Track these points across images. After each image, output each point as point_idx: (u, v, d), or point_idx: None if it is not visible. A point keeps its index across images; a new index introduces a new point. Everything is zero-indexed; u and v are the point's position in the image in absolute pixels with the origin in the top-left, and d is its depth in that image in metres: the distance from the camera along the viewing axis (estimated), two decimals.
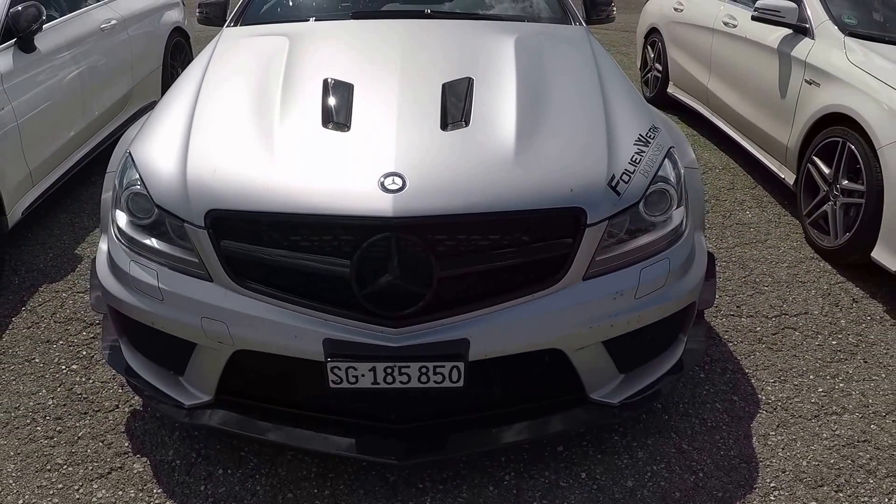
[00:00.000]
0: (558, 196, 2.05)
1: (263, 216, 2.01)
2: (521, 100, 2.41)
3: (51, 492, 2.25)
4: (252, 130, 2.30)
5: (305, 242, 2.01)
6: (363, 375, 2.00)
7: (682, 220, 2.27)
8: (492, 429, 2.20)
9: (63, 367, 2.81)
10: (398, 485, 2.28)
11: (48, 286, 3.36)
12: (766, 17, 4.25)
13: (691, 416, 2.58)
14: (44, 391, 2.68)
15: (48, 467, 2.34)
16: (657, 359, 2.36)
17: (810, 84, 3.91)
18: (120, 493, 2.24)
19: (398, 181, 2.02)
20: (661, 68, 6.24)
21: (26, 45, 3.67)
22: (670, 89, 6.07)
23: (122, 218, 2.26)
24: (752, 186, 4.64)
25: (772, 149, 4.34)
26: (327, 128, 2.28)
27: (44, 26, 3.91)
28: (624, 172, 2.17)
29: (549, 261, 2.07)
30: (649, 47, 6.53)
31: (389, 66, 2.66)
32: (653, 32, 6.43)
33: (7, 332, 3.02)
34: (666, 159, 2.29)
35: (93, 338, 2.98)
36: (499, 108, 2.38)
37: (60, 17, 4.19)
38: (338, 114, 2.35)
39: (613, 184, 2.12)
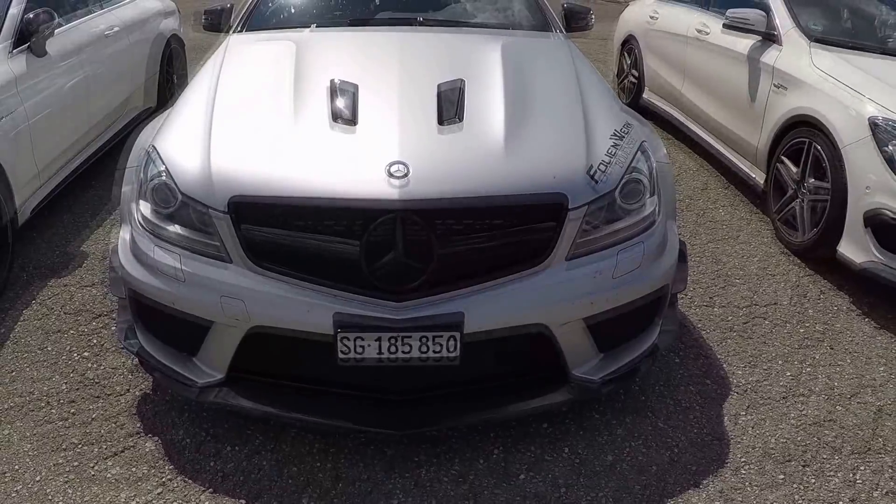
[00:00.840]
0: (543, 183, 2.25)
1: (282, 201, 2.18)
2: (508, 99, 2.61)
3: (66, 469, 2.33)
4: (269, 126, 2.49)
5: (319, 225, 2.17)
6: (369, 346, 2.14)
7: (654, 209, 2.45)
8: (483, 404, 2.33)
9: (75, 354, 2.90)
10: (395, 458, 2.38)
11: (56, 281, 3.43)
12: (736, 25, 4.41)
13: (666, 397, 2.70)
14: (57, 377, 2.76)
15: (63, 447, 2.42)
16: (634, 340, 2.51)
17: (778, 89, 4.06)
18: (133, 469, 2.33)
19: (403, 169, 2.20)
20: (637, 74, 6.37)
21: (39, 50, 3.75)
22: (646, 94, 6.21)
23: (145, 207, 2.38)
24: (725, 187, 4.80)
25: (743, 151, 4.47)
26: (337, 123, 2.46)
27: (56, 31, 3.99)
28: (601, 163, 2.36)
29: (535, 242, 2.25)
30: (626, 54, 6.65)
31: (389, 69, 2.86)
32: (629, 40, 6.55)
33: (19, 323, 3.10)
34: (639, 152, 2.48)
35: (102, 327, 3.07)
36: (488, 106, 2.58)
37: (68, 23, 4.27)
38: (345, 111, 2.51)
39: (592, 173, 2.32)
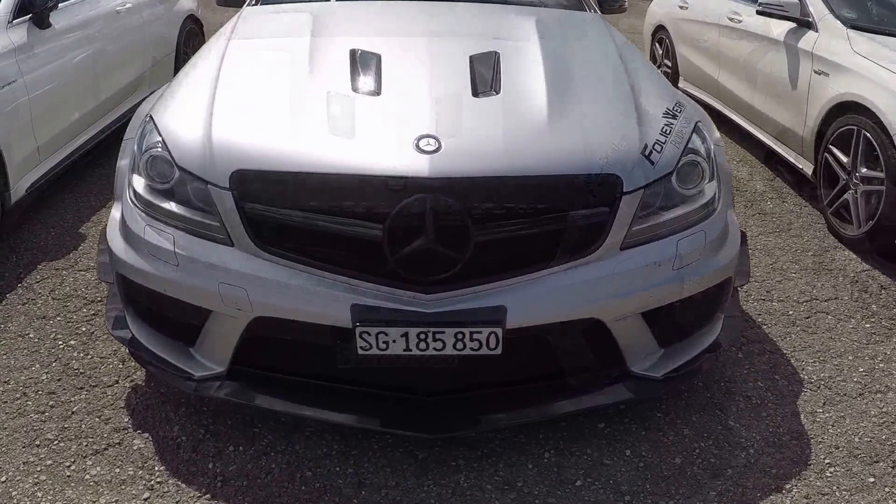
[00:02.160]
0: (593, 163, 1.88)
1: (292, 176, 1.80)
2: (548, 73, 2.25)
3: (38, 468, 1.90)
4: (280, 94, 2.11)
5: (335, 204, 1.78)
6: (394, 342, 1.74)
7: (714, 195, 2.09)
8: (530, 403, 1.92)
9: (60, 342, 2.47)
10: (429, 462, 1.95)
11: (48, 264, 3.02)
12: (770, 11, 4.17)
13: (734, 393, 2.31)
14: (37, 366, 2.34)
15: (37, 443, 1.99)
16: (696, 335, 2.13)
17: (819, 74, 3.77)
18: (117, 470, 1.90)
19: (433, 143, 1.83)
20: (670, 64, 6.12)
21: (41, 21, 3.40)
22: (681, 84, 5.94)
23: (139, 182, 1.99)
24: (771, 178, 4.40)
25: (788, 139, 4.14)
26: (358, 93, 2.08)
27: (60, 4, 3.65)
28: (656, 142, 2.01)
29: (586, 229, 1.87)
30: (657, 44, 6.43)
31: (416, 40, 2.51)
32: (659, 30, 6.33)
33: (0, 307, 2.68)
34: (694, 133, 2.11)
35: (94, 314, 2.64)
36: (527, 79, 2.22)
37: None
38: (368, 81, 2.14)
39: (647, 153, 1.96)
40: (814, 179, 3.80)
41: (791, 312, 2.86)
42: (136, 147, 2.06)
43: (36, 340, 2.47)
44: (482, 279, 1.80)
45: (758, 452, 2.06)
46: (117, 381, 2.26)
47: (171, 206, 1.91)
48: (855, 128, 3.40)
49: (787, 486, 1.94)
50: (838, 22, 3.84)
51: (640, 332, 1.96)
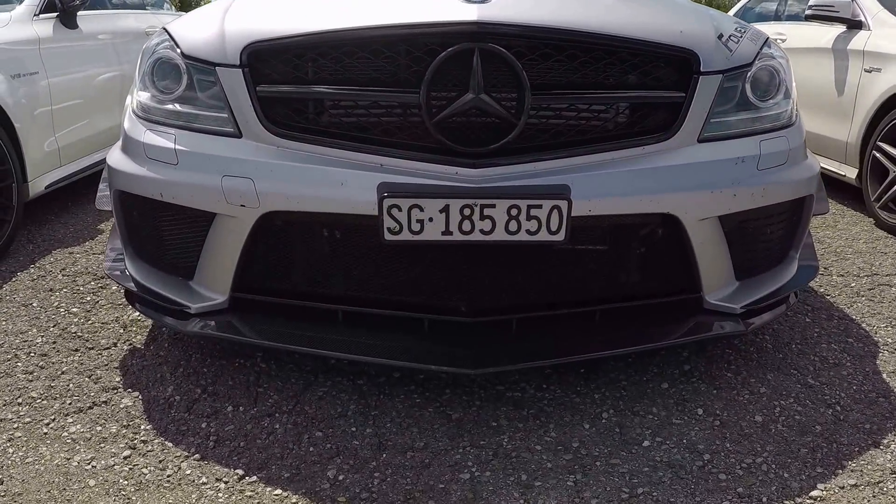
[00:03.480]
0: (668, 33, 1.59)
1: (311, 39, 1.51)
2: None
3: (14, 426, 1.61)
4: None
5: (362, 68, 1.50)
6: (430, 220, 1.39)
7: (791, 110, 1.80)
8: (594, 333, 1.56)
9: (62, 310, 2.22)
10: (465, 423, 1.60)
11: (63, 249, 2.82)
12: (820, 13, 4.00)
13: (808, 354, 1.98)
14: (34, 330, 2.08)
15: (19, 401, 1.71)
16: (772, 271, 1.82)
17: (870, 72, 3.58)
18: (98, 428, 1.60)
19: None
20: None
21: (68, 20, 3.35)
22: None
23: (143, 95, 1.75)
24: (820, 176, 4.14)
25: (829, 151, 3.95)
26: None
27: (91, 12, 3.62)
28: (731, 35, 1.72)
29: (660, 108, 1.58)
30: None
31: None
32: None
33: (9, 283, 2.46)
34: (765, 46, 1.82)
35: (101, 288, 2.40)
36: None
37: (106, 9, 3.91)
38: None
39: (724, 40, 1.67)
40: (857, 183, 3.64)
41: (853, 284, 2.56)
42: (141, 59, 1.83)
43: (38, 309, 2.23)
44: (540, 154, 1.48)
45: (845, 409, 1.72)
46: (115, 344, 1.98)
47: (175, 106, 1.66)
48: None
49: (885, 441, 1.59)
50: (892, 16, 3.67)
51: (718, 248, 1.64)
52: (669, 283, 1.65)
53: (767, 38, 1.83)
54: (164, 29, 1.81)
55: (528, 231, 1.40)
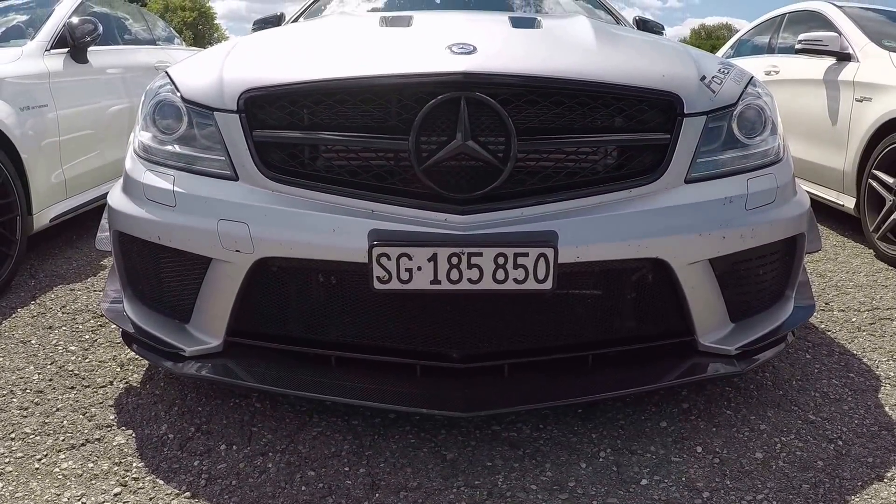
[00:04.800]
0: (651, 78, 1.64)
1: (305, 87, 1.57)
2: (594, 25, 2.08)
3: (6, 460, 1.64)
4: (299, 37, 2.00)
5: (353, 116, 1.56)
6: (419, 269, 1.42)
7: (779, 145, 1.83)
8: (587, 376, 1.57)
9: (60, 347, 2.26)
10: (459, 463, 1.60)
11: (64, 286, 2.88)
12: (809, 47, 4.17)
13: (809, 390, 1.99)
14: (31, 367, 2.12)
15: (12, 436, 1.74)
16: (767, 311, 1.83)
17: (861, 101, 3.69)
18: (90, 465, 1.62)
19: (468, 47, 1.61)
20: None
21: (78, 56, 3.49)
22: None
23: (145, 136, 1.81)
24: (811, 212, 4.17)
25: (826, 179, 4.01)
26: (385, 26, 1.95)
27: (102, 47, 3.76)
28: (714, 77, 1.77)
29: (646, 151, 1.62)
30: None
31: (448, 11, 2.51)
32: None
33: (9, 319, 2.51)
34: (750, 85, 1.87)
35: (100, 326, 2.45)
36: (572, 28, 2.05)
37: (118, 44, 4.06)
38: (397, 22, 2.01)
39: (706, 82, 1.72)
40: (856, 213, 3.68)
41: (854, 319, 2.58)
42: (143, 98, 1.90)
43: (36, 346, 2.27)
44: (527, 200, 1.51)
45: (847, 444, 1.72)
46: (111, 383, 2.01)
47: (175, 147, 1.72)
48: None
49: (888, 475, 1.59)
50: (880, 48, 3.83)
51: (710, 291, 1.65)
52: (662, 327, 1.67)
53: (752, 77, 1.88)
54: (166, 73, 1.89)
55: (515, 280, 1.43)
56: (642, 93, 1.59)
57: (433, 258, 1.42)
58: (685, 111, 1.62)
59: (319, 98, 1.57)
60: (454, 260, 1.42)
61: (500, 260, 1.42)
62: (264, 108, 1.61)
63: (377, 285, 1.45)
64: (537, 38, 1.85)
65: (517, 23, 1.97)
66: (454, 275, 1.43)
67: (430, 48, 1.63)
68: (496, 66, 1.53)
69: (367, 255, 1.45)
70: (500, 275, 1.43)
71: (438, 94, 1.48)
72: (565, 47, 1.77)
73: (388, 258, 1.43)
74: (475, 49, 1.59)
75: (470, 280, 1.43)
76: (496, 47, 1.65)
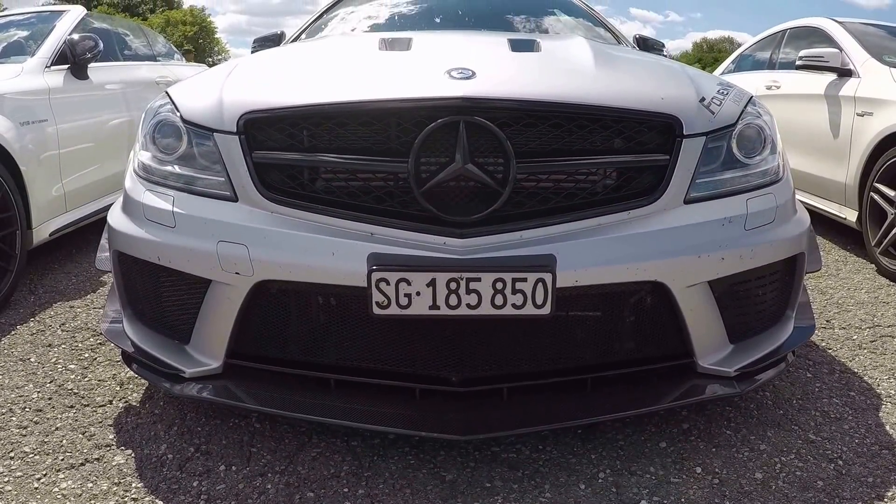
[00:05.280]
0: (649, 101, 1.66)
1: (305, 110, 1.60)
2: (593, 47, 2.11)
3: (6, 479, 1.65)
4: (299, 59, 2.04)
5: (353, 139, 1.58)
6: (418, 294, 1.44)
7: (778, 165, 1.85)
8: (585, 398, 1.59)
9: (59, 366, 2.28)
10: (459, 484, 1.62)
11: (64, 303, 2.89)
12: (810, 63, 4.22)
13: (809, 409, 2.01)
14: (30, 386, 2.13)
15: (11, 455, 1.75)
16: (767, 332, 1.84)
17: (862, 116, 3.73)
18: (89, 485, 1.63)
19: (467, 72, 1.64)
20: None
21: (79, 72, 3.54)
22: None
23: (145, 155, 1.84)
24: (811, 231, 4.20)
25: (828, 192, 4.04)
26: (385, 50, 1.98)
27: (103, 64, 3.80)
28: (714, 98, 1.79)
29: (644, 174, 1.64)
30: None
31: (449, 32, 2.55)
32: None
33: (8, 336, 2.53)
34: (750, 104, 1.89)
35: (100, 344, 2.46)
36: (570, 47, 2.10)
37: (118, 60, 4.11)
38: (396, 45, 2.04)
39: (706, 103, 1.74)
40: (858, 227, 3.70)
41: (855, 337, 2.60)
42: (143, 117, 1.92)
43: (36, 364, 2.29)
44: (526, 223, 1.53)
45: (848, 463, 1.73)
46: (110, 402, 2.03)
47: (174, 167, 1.75)
48: None
49: (889, 494, 1.60)
50: (880, 64, 3.88)
51: (709, 313, 1.67)
52: (661, 349, 1.68)
53: (751, 96, 1.91)
54: (167, 92, 1.92)
55: (513, 305, 1.45)
56: (641, 115, 1.62)
57: (432, 283, 1.44)
58: (684, 132, 1.64)
59: (319, 121, 1.60)
60: (452, 285, 1.44)
61: (499, 285, 1.44)
62: (264, 129, 1.64)
63: (376, 310, 1.47)
64: (536, 61, 1.88)
65: (516, 46, 2.00)
66: (453, 300, 1.45)
67: (429, 72, 1.66)
68: (495, 90, 1.56)
69: (367, 279, 1.47)
70: (499, 300, 1.45)
71: (438, 119, 1.50)
72: (564, 71, 1.80)
73: (387, 283, 1.45)
74: (474, 74, 1.62)
75: (468, 305, 1.45)
76: (495, 71, 1.68)
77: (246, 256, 1.56)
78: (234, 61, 2.15)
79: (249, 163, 1.62)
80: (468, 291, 1.44)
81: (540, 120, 1.57)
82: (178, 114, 1.77)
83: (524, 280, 1.43)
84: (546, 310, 1.45)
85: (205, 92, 1.80)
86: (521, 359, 1.63)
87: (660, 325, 1.65)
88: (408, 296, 1.45)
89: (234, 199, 1.64)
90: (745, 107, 1.83)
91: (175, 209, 1.67)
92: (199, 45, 45.45)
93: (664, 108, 1.65)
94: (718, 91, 1.84)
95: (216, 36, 48.82)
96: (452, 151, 1.52)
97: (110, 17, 4.45)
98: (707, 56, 62.31)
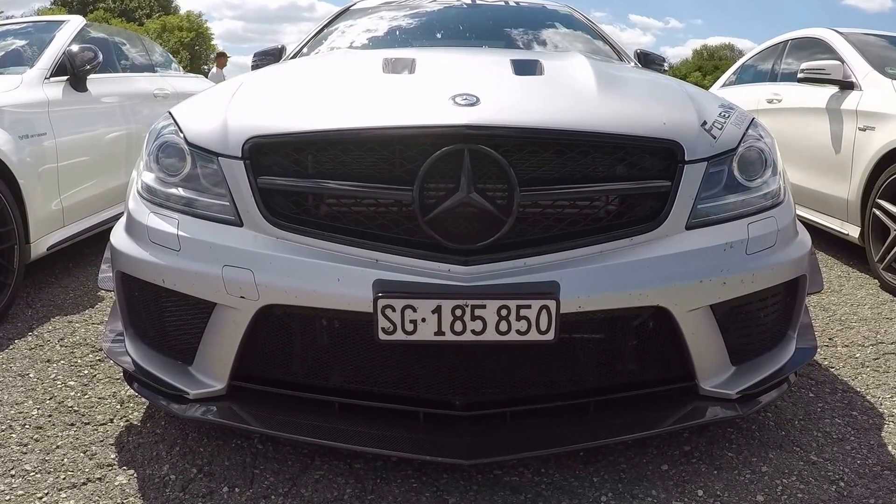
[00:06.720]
0: (651, 127, 1.71)
1: (310, 136, 1.64)
2: (595, 67, 2.16)
3: (7, 497, 1.68)
4: (302, 80, 2.09)
5: (358, 166, 1.62)
6: (423, 321, 1.48)
7: (780, 187, 1.90)
8: (588, 421, 1.62)
9: (59, 382, 2.31)
10: None
11: (62, 318, 2.92)
12: (812, 76, 4.23)
13: (811, 430, 2.05)
14: (30, 402, 2.16)
15: (12, 473, 1.78)
16: (769, 353, 1.88)
17: (864, 130, 3.74)
18: None
19: (472, 98, 1.68)
20: None
21: (78, 84, 3.57)
22: None
23: (148, 176, 1.87)
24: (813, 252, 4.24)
25: (830, 208, 4.06)
26: (388, 73, 2.02)
27: (101, 75, 3.84)
28: (715, 122, 1.84)
29: (646, 200, 1.68)
30: None
31: (452, 49, 2.59)
32: None
33: (6, 351, 2.55)
34: (751, 127, 1.94)
35: (99, 361, 2.49)
36: (572, 69, 2.15)
37: (117, 72, 4.15)
38: (400, 67, 2.08)
39: (707, 128, 1.79)
40: (861, 242, 3.72)
41: (858, 355, 2.64)
42: (147, 139, 1.96)
43: (35, 380, 2.32)
44: (529, 250, 1.57)
45: (849, 485, 1.77)
46: (111, 420, 2.05)
47: (178, 190, 1.78)
48: None
49: None
50: (883, 77, 3.89)
51: (711, 336, 1.70)
52: (663, 372, 1.72)
53: (752, 119, 1.96)
54: (170, 113, 1.95)
55: (518, 331, 1.49)
56: (643, 141, 1.67)
57: (437, 310, 1.48)
58: (686, 158, 1.69)
59: (324, 147, 1.64)
60: (458, 312, 1.48)
61: (503, 312, 1.48)
62: (269, 155, 1.67)
63: (382, 336, 1.51)
64: (539, 85, 1.92)
65: (519, 69, 2.04)
66: (458, 326, 1.49)
67: (433, 99, 1.70)
68: (499, 118, 1.60)
69: (373, 306, 1.50)
70: (504, 326, 1.48)
71: (442, 146, 1.54)
72: (567, 96, 1.84)
73: (393, 310, 1.48)
74: (478, 100, 1.66)
75: (473, 332, 1.49)
76: (499, 98, 1.73)
77: (251, 281, 1.59)
78: (238, 80, 2.19)
79: (254, 188, 1.65)
80: (473, 318, 1.48)
81: (543, 147, 1.61)
82: (181, 135, 1.81)
83: (528, 307, 1.47)
84: (550, 335, 1.49)
85: (209, 114, 1.83)
86: (524, 383, 1.66)
87: (662, 349, 1.69)
88: (413, 322, 1.48)
89: (240, 223, 1.68)
90: (747, 130, 1.88)
91: (180, 232, 1.70)
92: (196, 51, 45.52)
93: (666, 134, 1.69)
94: (720, 114, 1.89)
95: (212, 43, 48.92)
96: (457, 178, 1.55)
97: (108, 27, 4.49)
98: (707, 64, 62.56)
